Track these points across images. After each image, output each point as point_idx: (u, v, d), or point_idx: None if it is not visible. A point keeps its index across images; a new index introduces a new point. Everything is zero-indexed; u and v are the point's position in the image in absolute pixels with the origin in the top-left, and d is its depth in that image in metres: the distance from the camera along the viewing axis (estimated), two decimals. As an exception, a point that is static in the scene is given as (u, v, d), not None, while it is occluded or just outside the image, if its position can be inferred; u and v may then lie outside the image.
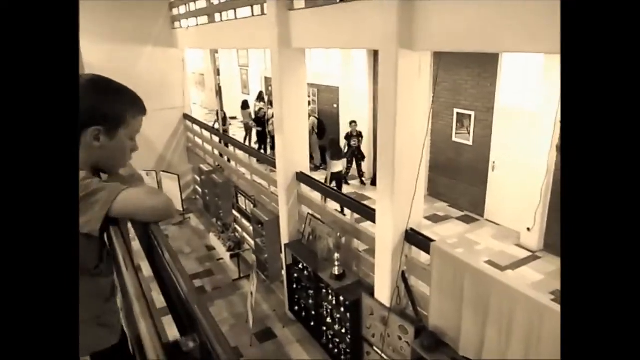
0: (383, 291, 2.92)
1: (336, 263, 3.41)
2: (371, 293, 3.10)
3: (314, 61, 9.80)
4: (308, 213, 4.16)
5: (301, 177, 4.20)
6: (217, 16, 5.76)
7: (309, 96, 10.40)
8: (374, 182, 7.74)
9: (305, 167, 4.26)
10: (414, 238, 2.69)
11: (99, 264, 1.21)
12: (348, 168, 8.16)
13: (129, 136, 1.22)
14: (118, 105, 1.18)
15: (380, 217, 2.78)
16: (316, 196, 4.13)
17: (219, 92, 9.88)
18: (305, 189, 4.27)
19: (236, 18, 5.07)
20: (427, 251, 2.58)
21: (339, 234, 3.36)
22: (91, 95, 1.12)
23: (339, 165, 7.45)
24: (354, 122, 8.12)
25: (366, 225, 3.65)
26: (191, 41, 7.65)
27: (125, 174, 1.33)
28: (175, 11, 7.98)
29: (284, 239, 4.50)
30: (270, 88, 12.36)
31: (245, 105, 11.33)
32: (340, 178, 7.61)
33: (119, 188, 1.14)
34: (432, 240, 2.56)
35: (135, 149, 1.26)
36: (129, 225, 1.30)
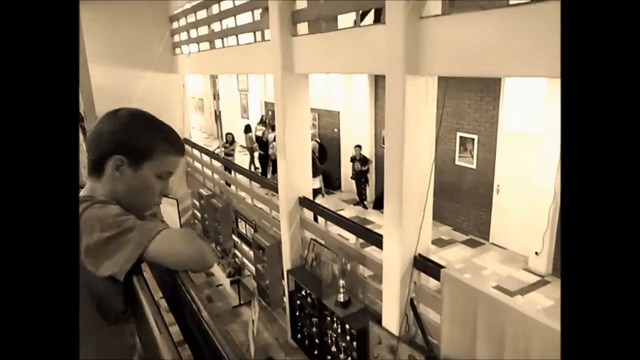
0: (391, 319, 2.87)
1: (341, 290, 3.36)
2: (378, 321, 3.04)
3: (314, 85, 9.94)
4: (311, 238, 4.13)
5: (304, 202, 4.19)
6: (218, 42, 5.86)
7: (314, 120, 10.51)
8: (376, 206, 7.75)
9: (307, 192, 4.26)
10: (423, 264, 2.66)
11: (126, 308, 1.13)
12: (359, 190, 8.26)
13: (157, 173, 1.14)
14: (147, 136, 1.14)
15: (388, 243, 2.76)
16: (319, 221, 4.11)
17: (218, 117, 9.96)
18: (308, 213, 4.25)
19: (238, 44, 5.16)
20: (437, 278, 2.55)
21: (344, 260, 3.32)
22: (122, 126, 1.11)
23: (316, 182, 8.10)
24: (359, 146, 8.20)
25: (370, 249, 3.62)
26: (192, 67, 7.76)
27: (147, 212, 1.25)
28: (176, 37, 8.13)
29: (286, 265, 4.46)
30: (270, 112, 12.49)
31: (247, 129, 11.44)
32: (316, 194, 8.14)
33: (156, 228, 1.04)
34: (442, 267, 2.54)
35: (165, 192, 1.18)
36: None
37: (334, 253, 3.67)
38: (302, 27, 3.75)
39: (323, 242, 3.95)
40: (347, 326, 3.27)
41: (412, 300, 2.74)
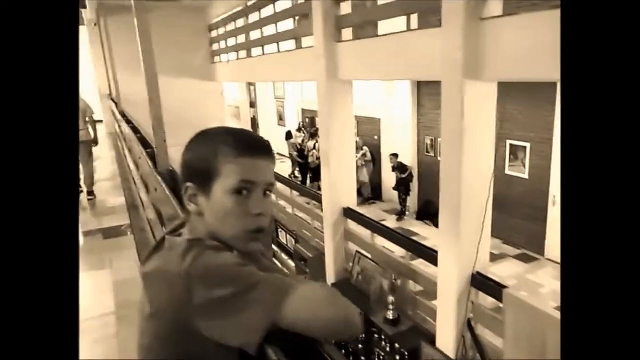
0: (446, 340, 2.73)
1: (390, 307, 3.25)
2: (431, 341, 2.91)
3: (354, 92, 9.87)
4: (356, 251, 4.04)
5: (349, 213, 4.11)
6: (258, 50, 5.91)
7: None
8: (420, 217, 7.55)
9: (352, 202, 4.17)
10: (482, 283, 2.52)
11: None
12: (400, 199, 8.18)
13: (231, 188, 0.93)
14: (204, 149, 0.97)
15: (444, 259, 2.63)
16: (366, 233, 4.01)
17: (255, 125, 10.07)
18: (353, 225, 4.16)
19: (279, 51, 5.16)
20: (497, 298, 2.40)
21: (394, 276, 3.21)
22: (185, 148, 0.98)
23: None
24: (394, 154, 8.07)
25: (417, 263, 3.49)
26: (231, 75, 7.88)
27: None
28: (215, 46, 8.29)
29: (330, 278, 4.38)
30: (307, 119, 12.51)
31: (289, 135, 11.47)
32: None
33: (288, 285, 0.85)
34: (503, 287, 2.39)
35: (257, 209, 0.96)
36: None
37: (381, 267, 3.57)
38: (347, 33, 3.70)
39: (369, 256, 3.86)
40: (397, 345, 3.15)
41: (469, 321, 2.60)
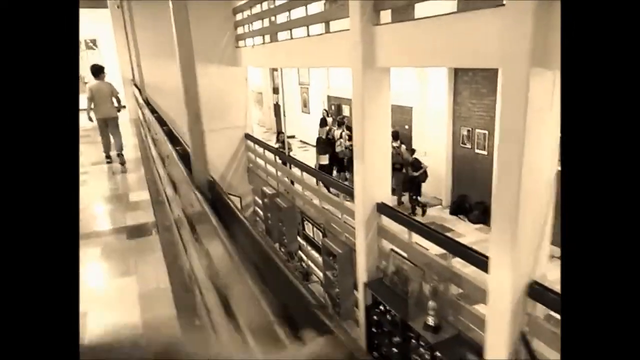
0: (497, 353, 2.54)
1: (430, 312, 3.06)
2: (477, 351, 2.73)
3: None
4: (391, 249, 3.85)
5: (383, 209, 3.92)
6: (285, 34, 5.69)
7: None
8: (454, 211, 7.28)
9: (387, 197, 3.98)
10: (540, 294, 2.30)
11: None
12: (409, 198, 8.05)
13: None
14: None
15: (496, 266, 2.42)
16: (401, 230, 3.82)
17: (278, 111, 9.92)
18: (386, 221, 3.97)
19: (308, 35, 4.94)
20: (558, 310, 2.19)
21: (435, 279, 3.02)
22: None
23: (325, 159, 9.58)
24: (410, 149, 7.80)
25: (454, 262, 3.29)
26: (256, 60, 7.68)
27: None
28: (240, 30, 8.10)
29: (361, 275, 4.21)
30: (333, 107, 12.28)
31: (323, 122, 11.21)
32: (324, 170, 9.47)
33: None
34: (567, 299, 2.17)
35: None
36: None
37: (419, 268, 3.38)
38: (385, 16, 3.46)
39: (405, 255, 3.67)
40: (439, 354, 2.97)
41: (523, 335, 2.39)
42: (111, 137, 6.20)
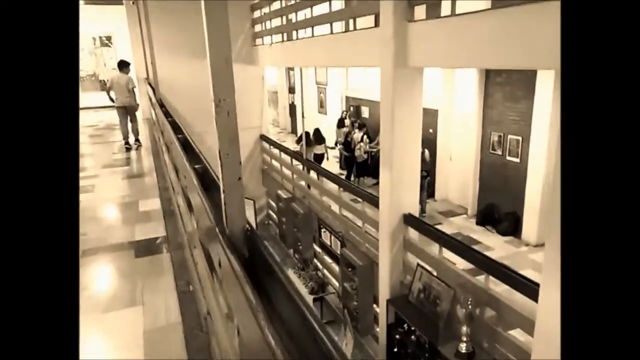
0: (544, 393, 2.28)
1: (464, 338, 2.82)
2: (517, 386, 2.47)
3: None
4: (418, 264, 3.61)
5: (410, 220, 3.68)
6: (307, 31, 5.48)
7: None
8: (480, 221, 6.97)
9: (414, 208, 3.74)
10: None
11: None
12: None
13: None
14: None
15: (548, 297, 2.16)
16: (428, 242, 3.58)
17: (293, 111, 9.75)
18: (414, 234, 3.74)
19: (332, 32, 4.72)
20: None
21: (469, 301, 2.77)
22: None
23: (321, 148, 10.04)
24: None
25: (481, 278, 3.06)
26: (275, 59, 7.49)
27: None
28: (257, 27, 7.92)
29: (384, 291, 3.98)
30: (351, 108, 12.04)
31: (341, 123, 11.01)
32: (320, 159, 10.01)
33: None
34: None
35: None
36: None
37: (449, 287, 3.13)
38: (420, 12, 3.23)
39: (434, 271, 3.43)
40: (473, 386, 2.73)
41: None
42: (129, 123, 7.49)
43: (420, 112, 3.52)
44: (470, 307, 2.81)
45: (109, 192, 3.74)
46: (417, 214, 3.74)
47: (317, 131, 10.39)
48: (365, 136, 8.66)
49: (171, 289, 1.73)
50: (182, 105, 4.03)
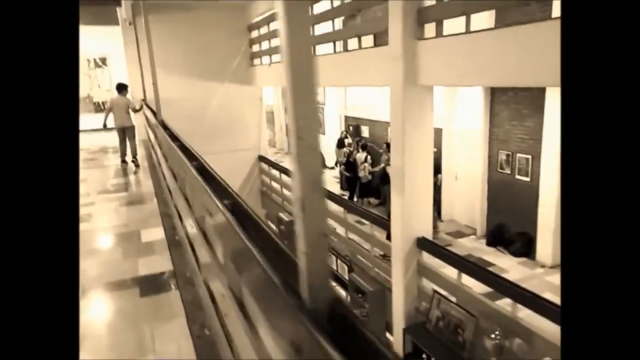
0: None
1: (492, 372, 2.67)
2: None
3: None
4: (434, 291, 3.48)
5: (424, 244, 3.56)
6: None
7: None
8: (491, 242, 6.81)
9: (428, 231, 3.62)
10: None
11: None
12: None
13: None
14: None
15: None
16: (447, 270, 3.45)
17: (289, 131, 9.72)
18: (428, 258, 3.62)
19: (336, 52, 4.67)
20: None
21: (497, 333, 2.63)
22: None
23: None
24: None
25: (503, 303, 2.93)
26: (273, 79, 7.44)
27: None
28: (255, 47, 7.90)
29: (398, 317, 3.83)
30: (350, 128, 11.99)
31: (341, 144, 10.88)
32: None
33: None
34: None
35: None
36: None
37: (472, 316, 2.99)
38: (430, 30, 3.17)
39: (452, 298, 3.29)
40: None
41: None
42: (128, 143, 7.49)
43: (432, 132, 3.43)
44: (499, 338, 2.67)
45: (107, 221, 3.56)
46: (430, 237, 3.63)
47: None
48: (369, 156, 8.53)
49: (185, 337, 1.54)
50: (183, 127, 3.94)
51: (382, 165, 8.45)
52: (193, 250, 1.89)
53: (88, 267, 2.58)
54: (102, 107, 13.65)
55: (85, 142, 10.07)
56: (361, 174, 8.61)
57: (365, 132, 11.27)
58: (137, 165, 7.29)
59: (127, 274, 2.47)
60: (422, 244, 3.55)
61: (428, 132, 3.42)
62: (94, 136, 11.41)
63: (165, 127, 3.71)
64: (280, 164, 8.92)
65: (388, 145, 8.97)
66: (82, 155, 8.47)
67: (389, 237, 5.62)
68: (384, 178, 7.97)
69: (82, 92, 13.71)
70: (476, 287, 3.31)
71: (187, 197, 1.95)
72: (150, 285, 2.31)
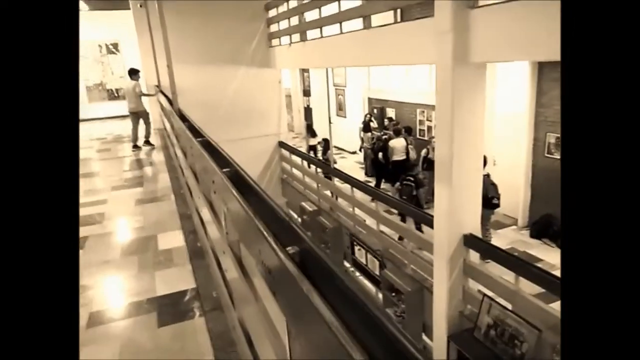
0: None
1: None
2: None
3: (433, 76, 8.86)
4: (484, 295, 3.15)
5: (471, 242, 3.23)
6: (332, 28, 5.06)
7: (430, 120, 9.35)
8: (535, 234, 6.40)
9: (476, 228, 3.28)
10: None
11: None
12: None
13: None
14: None
15: None
16: (497, 270, 3.12)
17: (308, 114, 9.42)
18: (475, 257, 3.29)
19: (366, 27, 4.29)
20: None
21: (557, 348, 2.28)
22: None
23: (314, 140, 11.57)
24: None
25: (556, 305, 2.60)
26: (295, 60, 7.09)
27: None
28: (273, 27, 7.53)
29: (441, 323, 3.52)
30: (375, 110, 11.59)
31: (367, 127, 10.51)
32: (315, 150, 11.39)
33: None
34: None
35: None
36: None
37: (534, 328, 2.67)
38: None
39: (502, 301, 2.97)
40: None
41: None
42: (140, 126, 7.81)
43: (483, 117, 3.07)
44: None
45: (120, 223, 3.31)
46: (479, 234, 3.29)
47: (309, 126, 12.66)
48: (409, 145, 8.14)
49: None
50: (198, 117, 3.64)
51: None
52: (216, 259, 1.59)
53: (95, 284, 2.28)
54: (116, 95, 13.48)
55: (99, 131, 9.88)
56: (396, 158, 8.26)
57: (391, 114, 10.84)
58: (150, 145, 7.66)
59: (143, 294, 2.14)
60: (470, 241, 3.22)
61: (480, 117, 3.06)
62: (108, 124, 11.21)
63: (183, 119, 3.40)
64: (300, 149, 8.62)
65: (407, 128, 8.62)
66: (96, 145, 8.26)
67: (418, 228, 5.32)
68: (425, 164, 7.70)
69: (95, 79, 13.54)
70: (523, 284, 2.98)
71: (215, 211, 1.63)
72: (170, 309, 1.96)
